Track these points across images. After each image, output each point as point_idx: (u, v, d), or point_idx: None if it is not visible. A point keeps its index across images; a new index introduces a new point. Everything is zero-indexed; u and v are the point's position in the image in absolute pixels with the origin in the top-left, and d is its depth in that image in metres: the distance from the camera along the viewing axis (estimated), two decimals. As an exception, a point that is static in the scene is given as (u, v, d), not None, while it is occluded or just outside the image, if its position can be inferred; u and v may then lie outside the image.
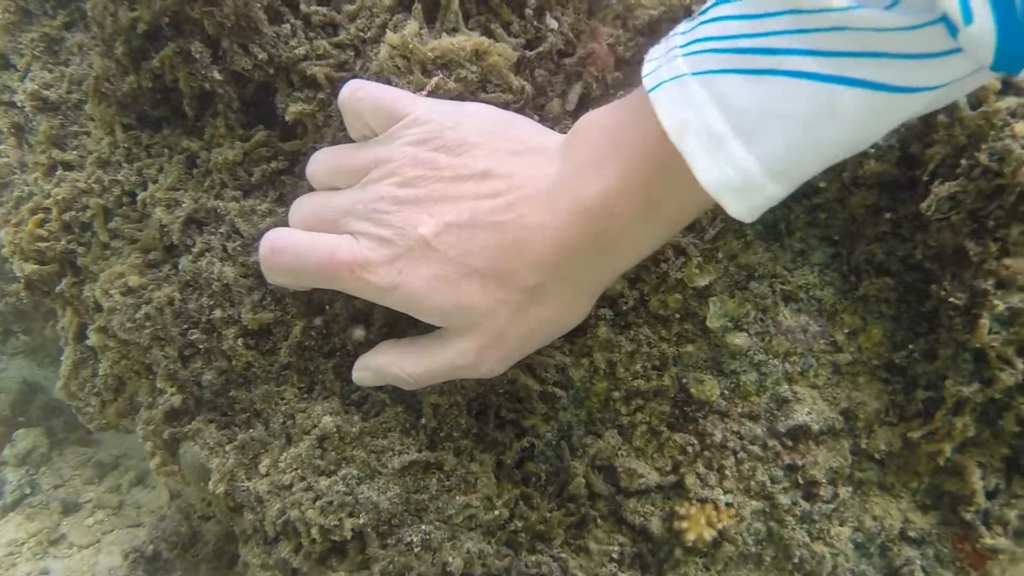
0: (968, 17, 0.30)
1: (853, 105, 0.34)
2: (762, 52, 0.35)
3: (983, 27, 0.30)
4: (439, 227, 0.44)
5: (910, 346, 0.56)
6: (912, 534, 0.59)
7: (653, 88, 0.38)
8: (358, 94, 0.49)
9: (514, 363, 0.51)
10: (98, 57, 0.57)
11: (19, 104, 0.65)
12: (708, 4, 0.38)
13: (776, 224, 0.56)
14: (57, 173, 0.62)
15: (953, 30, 0.31)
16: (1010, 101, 0.47)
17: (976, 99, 0.49)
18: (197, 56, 0.53)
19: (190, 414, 0.60)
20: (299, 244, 0.49)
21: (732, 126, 0.36)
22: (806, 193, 0.55)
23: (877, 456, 0.58)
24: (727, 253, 0.56)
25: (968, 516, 0.57)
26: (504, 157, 0.45)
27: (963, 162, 0.48)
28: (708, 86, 0.36)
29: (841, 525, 0.59)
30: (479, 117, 0.48)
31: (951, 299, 0.51)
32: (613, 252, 0.45)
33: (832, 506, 0.58)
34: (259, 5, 0.52)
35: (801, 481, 0.58)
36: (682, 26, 0.39)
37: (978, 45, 0.31)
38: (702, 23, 0.37)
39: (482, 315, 0.45)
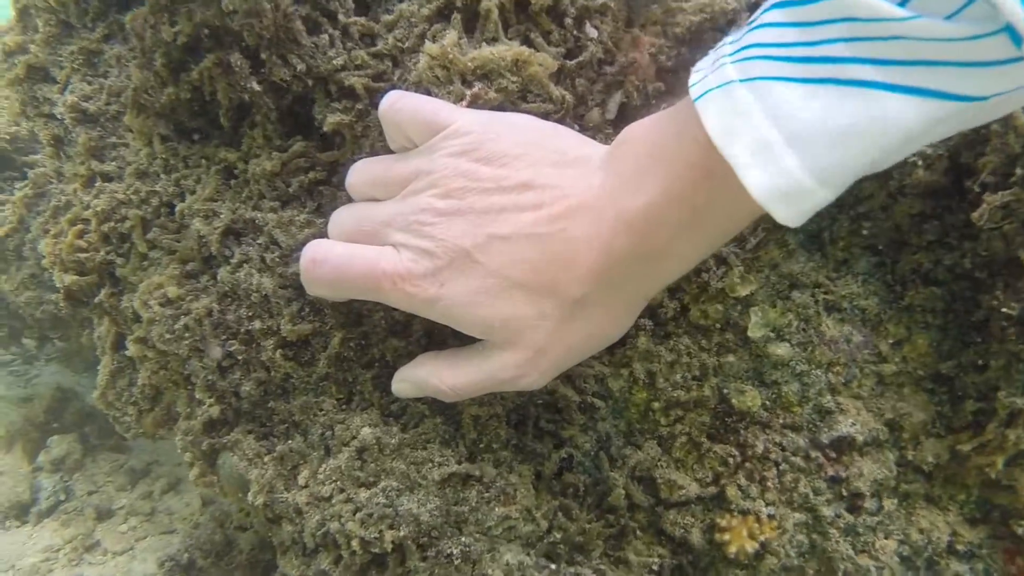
0: None
1: (907, 113, 0.33)
2: (815, 61, 0.34)
3: None
4: (481, 239, 0.44)
5: (959, 357, 0.55)
6: (960, 548, 0.58)
7: (699, 97, 0.37)
8: (398, 105, 0.49)
9: (555, 376, 0.50)
10: (137, 69, 0.57)
11: (59, 116, 0.66)
12: (760, 10, 0.37)
13: (819, 233, 0.56)
14: (96, 184, 0.63)
15: (1018, 40, 0.30)
16: (1065, 107, 0.46)
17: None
18: (236, 68, 0.53)
19: (229, 425, 0.60)
20: (340, 256, 0.49)
21: (782, 132, 0.35)
22: (850, 203, 0.54)
23: (924, 468, 0.57)
24: (769, 262, 0.55)
25: (1020, 530, 0.55)
26: (546, 168, 0.45)
27: (1018, 171, 0.47)
28: (756, 92, 0.35)
29: (886, 538, 0.58)
30: (520, 128, 0.47)
31: (1004, 309, 0.50)
32: (657, 264, 0.44)
33: (877, 518, 0.57)
34: (298, 16, 0.52)
35: (845, 493, 0.57)
36: (731, 36, 0.39)
37: None
38: (753, 29, 0.37)
39: (525, 328, 0.45)
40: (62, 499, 1.17)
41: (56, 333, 1.12)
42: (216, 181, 0.58)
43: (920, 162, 0.52)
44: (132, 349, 0.62)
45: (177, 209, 0.59)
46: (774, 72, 0.35)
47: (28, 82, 0.71)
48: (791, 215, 0.37)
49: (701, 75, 0.39)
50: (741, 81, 0.36)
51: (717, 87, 0.37)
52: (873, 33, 0.33)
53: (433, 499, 0.53)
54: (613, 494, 0.58)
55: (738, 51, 0.37)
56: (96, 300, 0.65)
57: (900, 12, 0.32)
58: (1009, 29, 0.30)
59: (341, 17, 0.53)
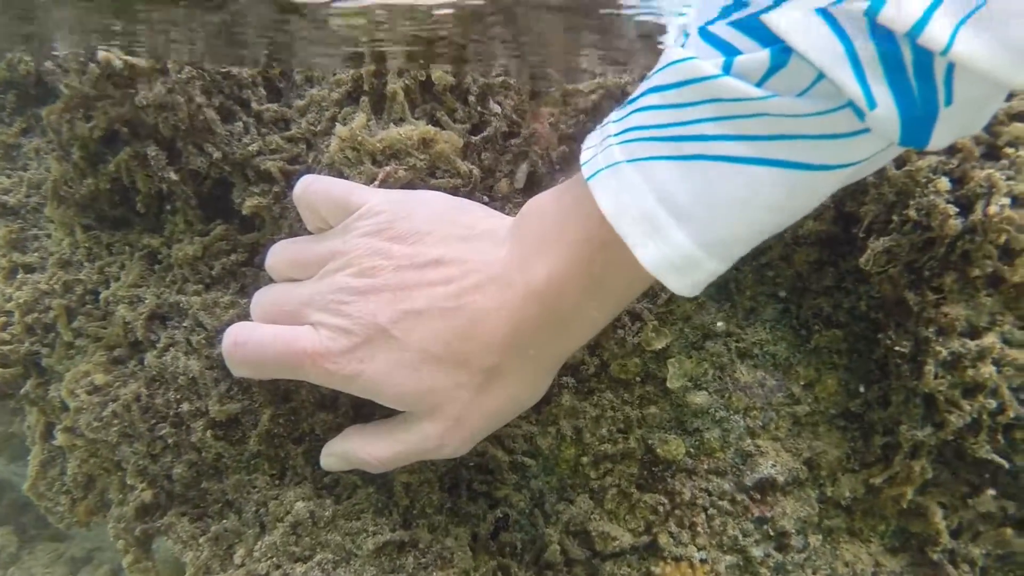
0: (872, 103, 0.32)
1: (776, 184, 0.36)
2: (690, 139, 0.37)
3: (886, 111, 0.32)
4: (396, 315, 0.46)
5: (864, 393, 0.58)
6: (884, 577, 0.60)
7: (591, 176, 0.40)
8: (312, 188, 0.50)
9: (478, 442, 0.51)
10: (55, 162, 0.58)
11: (-22, 210, 0.66)
12: (636, 94, 0.40)
13: (726, 284, 0.58)
14: (18, 276, 0.63)
15: (860, 114, 0.33)
16: (931, 159, 0.50)
17: (900, 159, 0.51)
18: (153, 159, 0.54)
19: (162, 509, 0.60)
20: (260, 337, 0.50)
21: (666, 208, 0.37)
22: (753, 254, 0.57)
23: (843, 503, 0.59)
24: (682, 315, 0.58)
25: (935, 556, 0.58)
26: (455, 243, 0.47)
27: (895, 218, 0.51)
28: (641, 171, 0.38)
29: (814, 574, 0.60)
30: (430, 205, 0.49)
31: (897, 347, 0.53)
32: (566, 330, 0.46)
33: (804, 555, 0.59)
34: (212, 107, 0.53)
35: (772, 533, 0.59)
36: (614, 115, 0.41)
37: (884, 126, 0.33)
38: (632, 112, 0.39)
39: (443, 399, 0.46)
40: (-3, 595, 1.13)
41: (-13, 422, 1.09)
42: (140, 267, 0.59)
43: (810, 212, 0.55)
44: (61, 439, 0.61)
45: (101, 296, 0.60)
46: (654, 152, 0.38)
47: (-53, 177, 0.71)
48: (684, 285, 0.39)
49: (591, 153, 0.41)
50: (627, 162, 0.39)
51: (606, 167, 0.39)
52: (737, 111, 0.36)
53: (369, 569, 0.53)
54: (549, 550, 0.59)
55: (621, 132, 0.39)
56: (23, 391, 0.64)
57: (757, 92, 0.35)
58: (852, 105, 0.34)
59: (254, 104, 0.55)
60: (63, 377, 0.60)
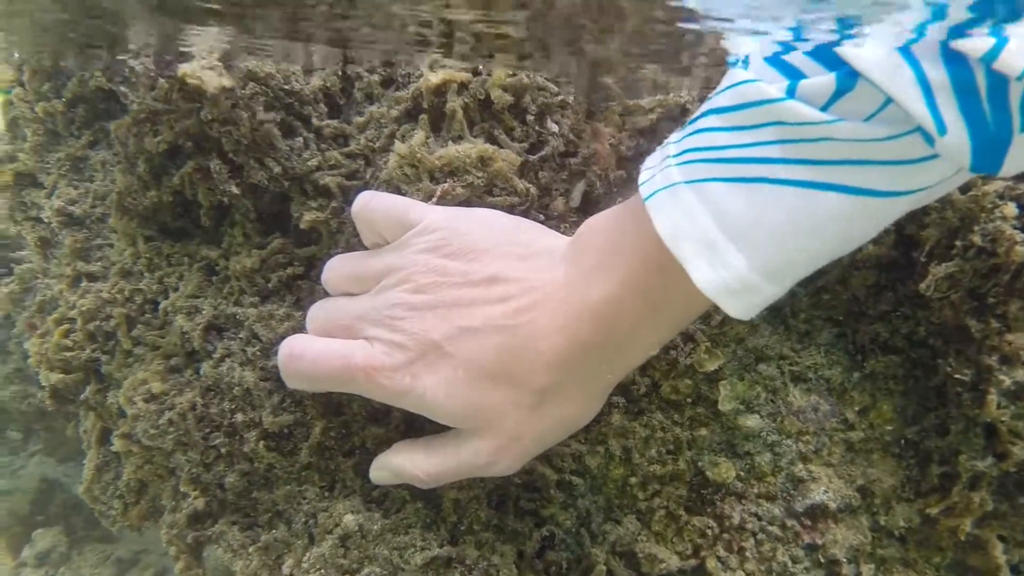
0: (942, 128, 0.32)
1: (839, 209, 0.36)
2: (750, 161, 0.37)
3: (958, 137, 0.32)
4: (451, 332, 0.46)
5: (922, 422, 0.57)
6: (939, 610, 0.59)
7: (648, 196, 0.40)
8: (371, 205, 0.51)
9: (528, 460, 0.51)
10: (121, 174, 0.60)
11: (45, 220, 0.68)
12: (696, 115, 0.40)
13: (781, 307, 0.58)
14: (82, 284, 0.65)
15: (929, 139, 0.33)
16: (997, 184, 0.49)
17: (965, 184, 0.51)
18: (215, 173, 0.55)
19: (213, 517, 0.60)
20: (316, 351, 0.50)
21: (724, 232, 0.37)
22: (808, 277, 0.57)
23: (897, 533, 0.58)
24: (734, 337, 0.57)
25: (994, 591, 0.56)
26: (512, 262, 0.47)
27: (958, 243, 0.50)
28: (700, 194, 0.38)
29: (866, 604, 0.59)
30: (487, 224, 0.50)
31: (957, 375, 0.52)
32: (620, 352, 0.46)
33: (856, 585, 0.58)
34: (273, 122, 0.54)
35: (822, 560, 0.58)
36: (674, 136, 0.41)
37: (955, 152, 0.33)
38: (692, 133, 0.39)
39: (496, 416, 0.47)
40: (47, 594, 1.16)
41: (40, 425, 1.12)
42: (198, 278, 0.60)
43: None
44: (118, 444, 0.63)
45: (160, 306, 0.61)
46: (714, 174, 0.38)
47: (16, 188, 0.73)
48: (740, 309, 0.39)
49: (650, 174, 0.41)
50: (686, 183, 0.38)
51: (664, 188, 0.39)
52: (801, 135, 0.35)
53: (416, 584, 0.54)
54: (595, 570, 0.58)
55: (681, 153, 0.39)
56: (82, 397, 0.66)
57: (823, 116, 0.35)
58: (921, 130, 0.33)
59: (315, 121, 0.56)
60: (121, 384, 0.62)
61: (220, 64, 0.53)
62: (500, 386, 0.46)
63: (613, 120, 0.56)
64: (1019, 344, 0.50)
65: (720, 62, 0.55)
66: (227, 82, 0.51)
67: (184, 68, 0.51)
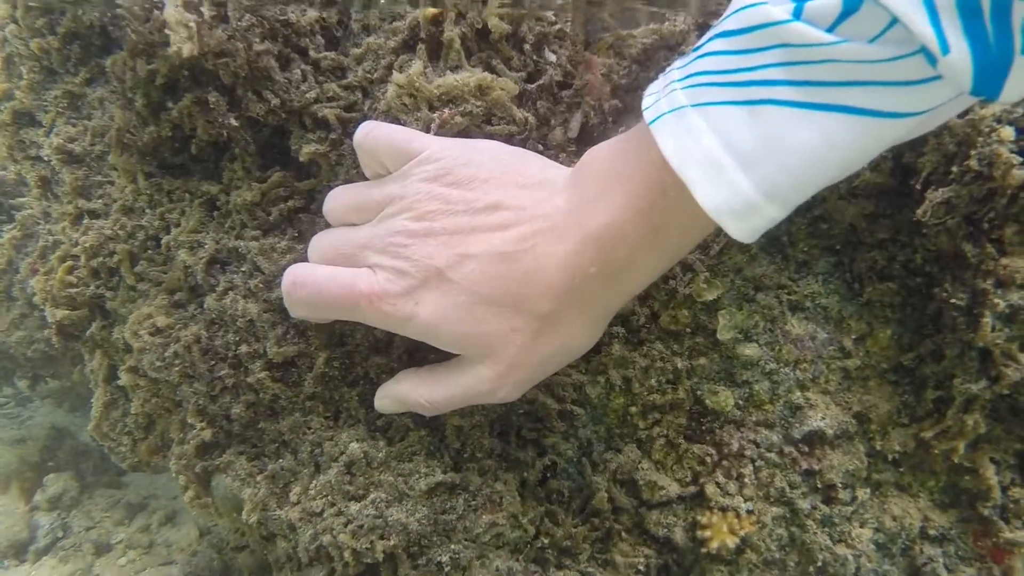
0: (945, 48, 0.32)
1: (842, 130, 0.36)
2: (756, 84, 0.37)
3: (960, 56, 0.32)
4: (454, 258, 0.46)
5: (918, 348, 0.57)
6: (932, 532, 0.60)
7: (653, 120, 0.40)
8: (373, 134, 0.51)
9: (530, 388, 0.52)
10: (119, 110, 0.60)
11: (45, 158, 0.68)
12: (702, 41, 0.40)
13: (779, 236, 0.58)
14: (84, 222, 0.65)
15: (932, 60, 0.33)
16: (995, 107, 0.49)
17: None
18: (214, 105, 0.55)
19: (221, 447, 0.62)
20: (319, 278, 0.51)
21: (730, 153, 0.37)
22: (806, 205, 0.57)
23: (892, 457, 0.59)
24: (733, 267, 0.58)
25: (986, 512, 0.58)
26: (514, 190, 0.47)
27: (954, 168, 0.50)
28: (706, 116, 0.38)
29: (861, 527, 0.60)
30: (488, 153, 0.50)
31: (953, 300, 0.53)
32: (622, 277, 0.46)
33: (851, 508, 0.60)
34: (270, 54, 0.54)
35: (819, 485, 0.60)
36: (678, 62, 0.41)
37: (956, 73, 0.33)
38: (697, 58, 0.39)
39: (498, 343, 0.47)
40: (60, 536, 1.18)
41: (48, 371, 1.13)
42: (199, 213, 0.61)
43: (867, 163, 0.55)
44: (124, 379, 0.64)
45: (163, 242, 0.62)
46: (720, 97, 0.38)
47: (14, 127, 0.73)
48: (743, 230, 0.39)
49: (654, 99, 0.41)
50: (692, 106, 0.39)
51: (669, 111, 0.39)
52: (806, 57, 0.36)
53: (421, 509, 0.55)
54: (597, 498, 0.60)
55: (686, 77, 0.39)
56: (88, 333, 0.66)
57: (828, 37, 0.34)
58: (924, 50, 0.33)
59: (312, 53, 0.56)
60: (126, 320, 0.62)
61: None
62: (502, 313, 0.46)
63: (606, 50, 0.56)
64: (1014, 267, 0.50)
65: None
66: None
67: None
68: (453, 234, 0.47)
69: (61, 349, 0.72)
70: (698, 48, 0.40)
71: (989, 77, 0.33)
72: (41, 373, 1.14)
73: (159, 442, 0.67)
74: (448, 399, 0.51)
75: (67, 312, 0.65)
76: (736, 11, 0.38)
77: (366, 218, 0.52)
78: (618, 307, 0.51)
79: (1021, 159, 0.48)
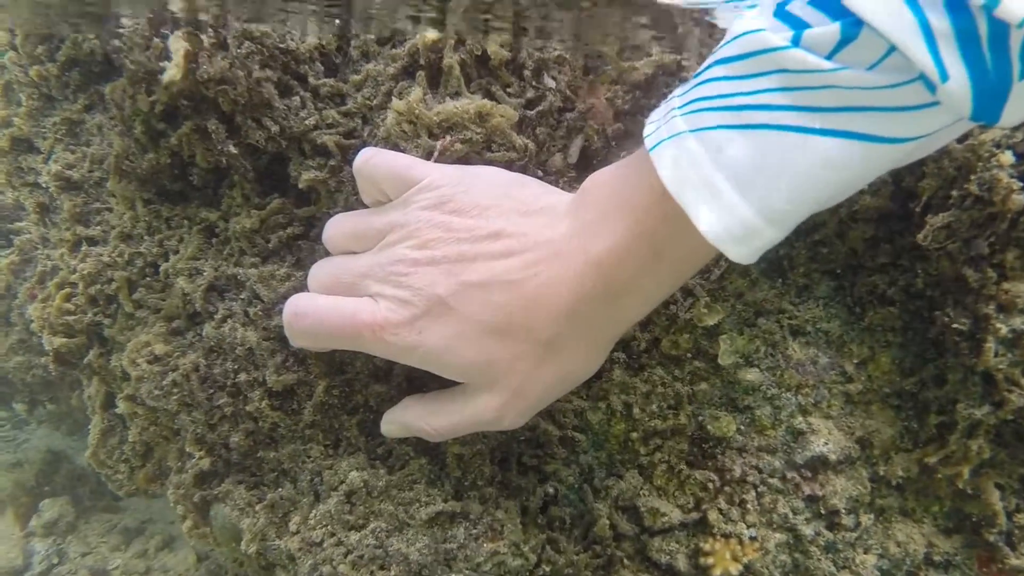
0: (944, 75, 0.32)
1: (841, 154, 0.36)
2: (754, 108, 0.37)
3: (959, 83, 0.32)
4: (456, 287, 0.46)
5: (920, 373, 0.57)
6: (937, 558, 0.59)
7: (653, 147, 0.40)
8: (373, 161, 0.51)
9: (534, 415, 0.52)
10: (117, 137, 0.60)
11: (43, 184, 0.68)
12: (701, 68, 0.40)
13: (779, 261, 0.58)
14: (82, 248, 0.65)
15: (931, 87, 0.33)
16: (995, 132, 0.49)
17: (962, 134, 0.51)
18: (213, 133, 0.55)
19: (219, 476, 0.61)
20: (320, 308, 0.50)
21: (727, 177, 0.37)
22: (806, 230, 0.57)
23: (896, 482, 0.59)
24: (734, 292, 0.58)
25: (991, 537, 0.57)
26: (515, 217, 0.47)
27: (954, 193, 0.50)
28: (704, 141, 0.38)
29: (866, 553, 0.60)
30: (489, 180, 0.50)
31: (955, 325, 0.52)
32: (623, 303, 0.46)
33: (855, 534, 0.59)
34: (270, 81, 0.54)
35: (823, 511, 0.59)
36: (679, 89, 0.41)
37: (956, 99, 0.33)
38: (697, 85, 0.39)
39: (501, 371, 0.47)
40: (55, 562, 1.17)
41: (46, 396, 1.13)
42: (198, 240, 0.60)
43: (867, 188, 0.55)
44: (122, 407, 0.63)
45: (161, 269, 0.61)
46: (718, 121, 0.38)
47: (12, 153, 0.73)
48: (743, 253, 0.39)
49: (654, 127, 0.41)
50: (690, 132, 0.39)
51: (668, 138, 0.39)
52: (805, 83, 0.36)
53: (422, 538, 0.54)
54: (598, 525, 0.59)
55: (686, 104, 0.40)
56: (85, 361, 0.66)
57: (827, 64, 0.35)
58: (923, 78, 0.33)
59: (311, 79, 0.56)
60: (124, 347, 0.62)
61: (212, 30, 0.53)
62: (505, 340, 0.46)
63: (609, 78, 0.56)
64: (1016, 292, 0.50)
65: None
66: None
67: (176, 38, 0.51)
68: (455, 262, 0.47)
69: (59, 376, 0.71)
70: (698, 74, 0.40)
71: (988, 103, 0.33)
72: (39, 398, 1.14)
73: (157, 470, 0.67)
74: (452, 427, 0.51)
75: (64, 340, 0.64)
76: (735, 38, 0.38)
77: (366, 246, 0.51)
78: (620, 333, 0.51)
79: (1022, 184, 0.48)
